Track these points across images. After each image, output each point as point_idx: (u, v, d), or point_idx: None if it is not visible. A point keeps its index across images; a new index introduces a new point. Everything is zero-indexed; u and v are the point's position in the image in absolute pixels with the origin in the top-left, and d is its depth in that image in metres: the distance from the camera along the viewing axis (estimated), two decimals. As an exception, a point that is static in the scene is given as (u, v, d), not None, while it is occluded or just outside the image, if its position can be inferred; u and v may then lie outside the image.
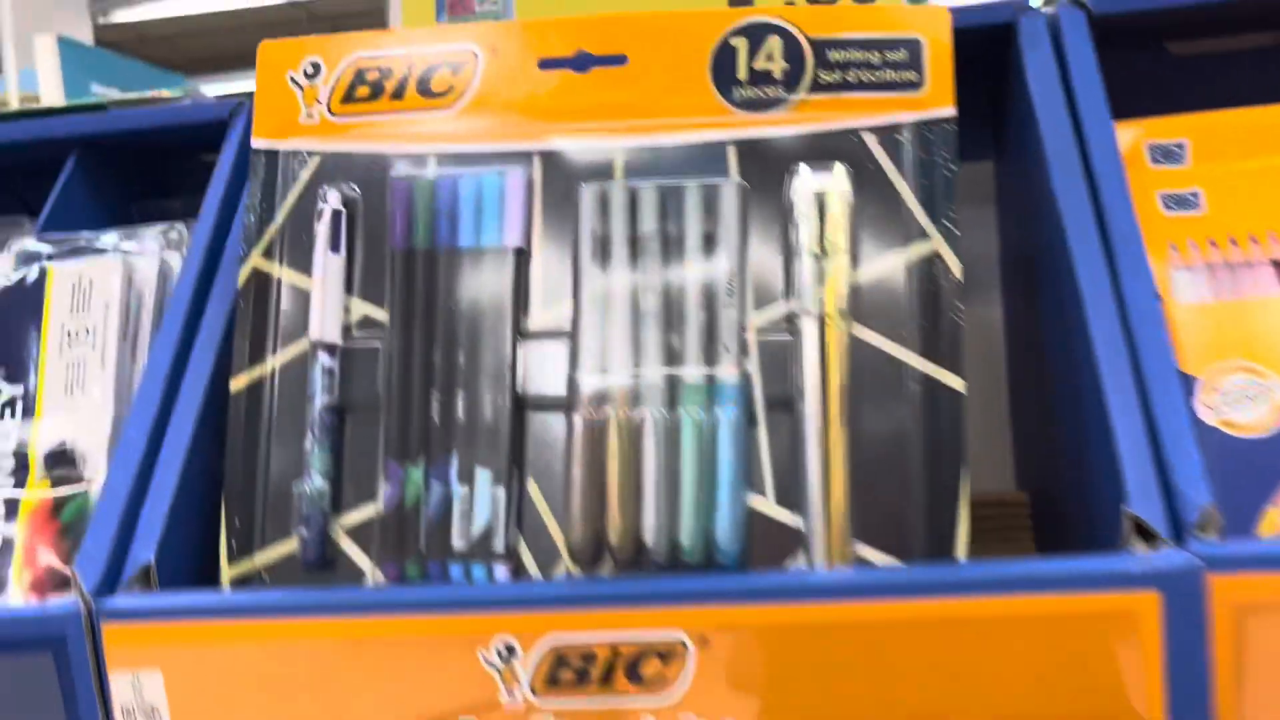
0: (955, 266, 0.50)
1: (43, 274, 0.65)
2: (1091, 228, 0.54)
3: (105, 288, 0.63)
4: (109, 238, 0.67)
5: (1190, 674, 0.43)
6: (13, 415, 0.62)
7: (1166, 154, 0.58)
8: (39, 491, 0.60)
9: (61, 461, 0.61)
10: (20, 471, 0.61)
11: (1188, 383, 0.51)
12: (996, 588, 0.44)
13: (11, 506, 0.60)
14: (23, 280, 0.65)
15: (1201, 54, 0.70)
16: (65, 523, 0.60)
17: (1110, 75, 0.59)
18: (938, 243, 0.51)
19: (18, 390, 0.63)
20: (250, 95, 0.68)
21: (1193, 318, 0.52)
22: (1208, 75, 0.69)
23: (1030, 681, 0.44)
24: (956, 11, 0.55)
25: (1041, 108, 0.58)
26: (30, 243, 0.67)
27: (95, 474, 0.60)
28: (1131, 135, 0.58)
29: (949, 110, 0.52)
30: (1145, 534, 0.45)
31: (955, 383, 0.49)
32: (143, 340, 0.64)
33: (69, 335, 0.63)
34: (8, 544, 0.60)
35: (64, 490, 0.60)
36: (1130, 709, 0.43)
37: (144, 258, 0.65)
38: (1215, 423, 0.50)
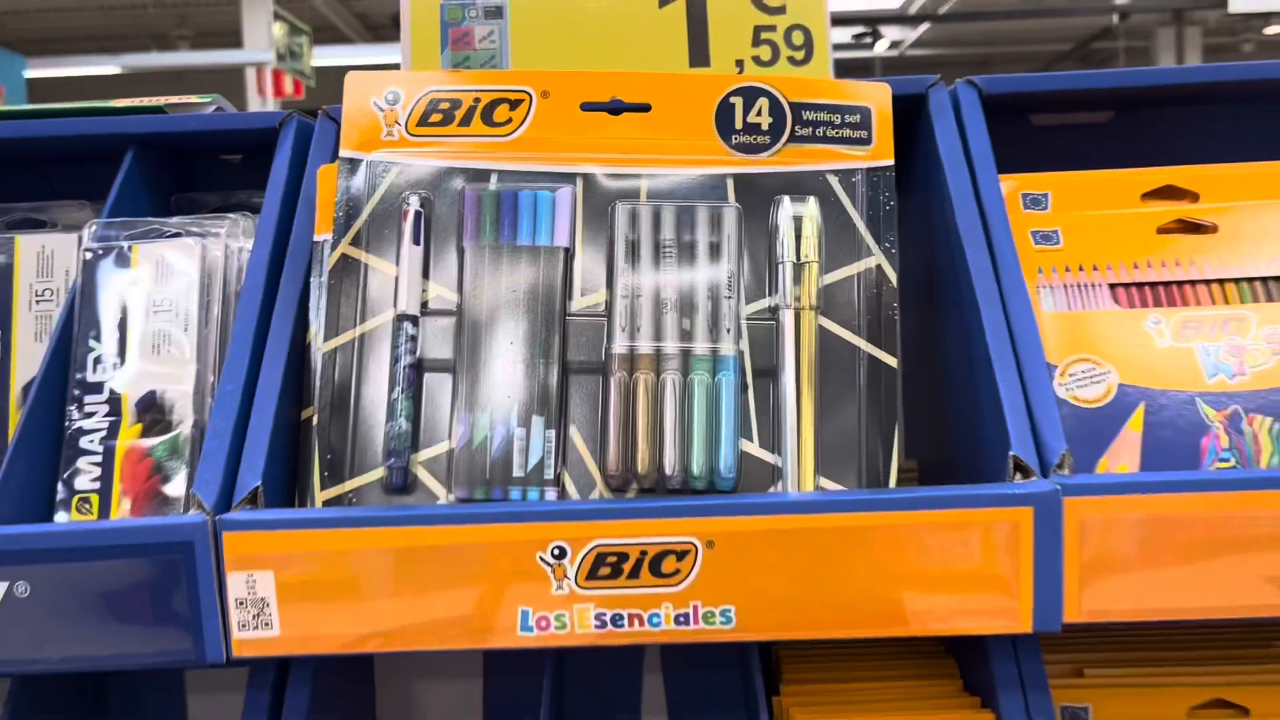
0: (892, 276, 0.69)
1: (127, 251, 0.76)
2: (984, 253, 0.72)
3: (186, 265, 0.75)
4: (175, 223, 0.79)
5: (1049, 559, 0.61)
6: (102, 370, 0.73)
7: (1035, 202, 0.77)
8: (132, 434, 0.72)
9: (151, 409, 0.72)
10: (113, 417, 0.72)
11: (1050, 369, 0.70)
12: (921, 504, 0.62)
13: (109, 448, 0.71)
14: (107, 254, 0.76)
15: (1058, 125, 0.91)
16: (157, 459, 0.71)
17: (994, 136, 0.79)
18: (880, 259, 0.69)
19: (106, 348, 0.73)
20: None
21: (1053, 323, 0.72)
22: (1063, 142, 0.89)
23: (944, 567, 0.62)
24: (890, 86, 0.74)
25: (947, 161, 0.76)
26: (106, 224, 0.78)
27: (183, 419, 0.72)
28: (1010, 186, 0.77)
29: (890, 161, 0.70)
30: (1023, 470, 0.63)
31: (891, 361, 0.67)
32: (214, 310, 0.76)
33: (154, 304, 0.74)
34: (107, 478, 0.71)
35: (155, 432, 0.71)
36: (1011, 583, 0.62)
37: (216, 240, 0.77)
38: (1068, 398, 0.70)
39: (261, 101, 7.88)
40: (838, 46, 8.78)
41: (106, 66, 8.65)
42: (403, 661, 0.88)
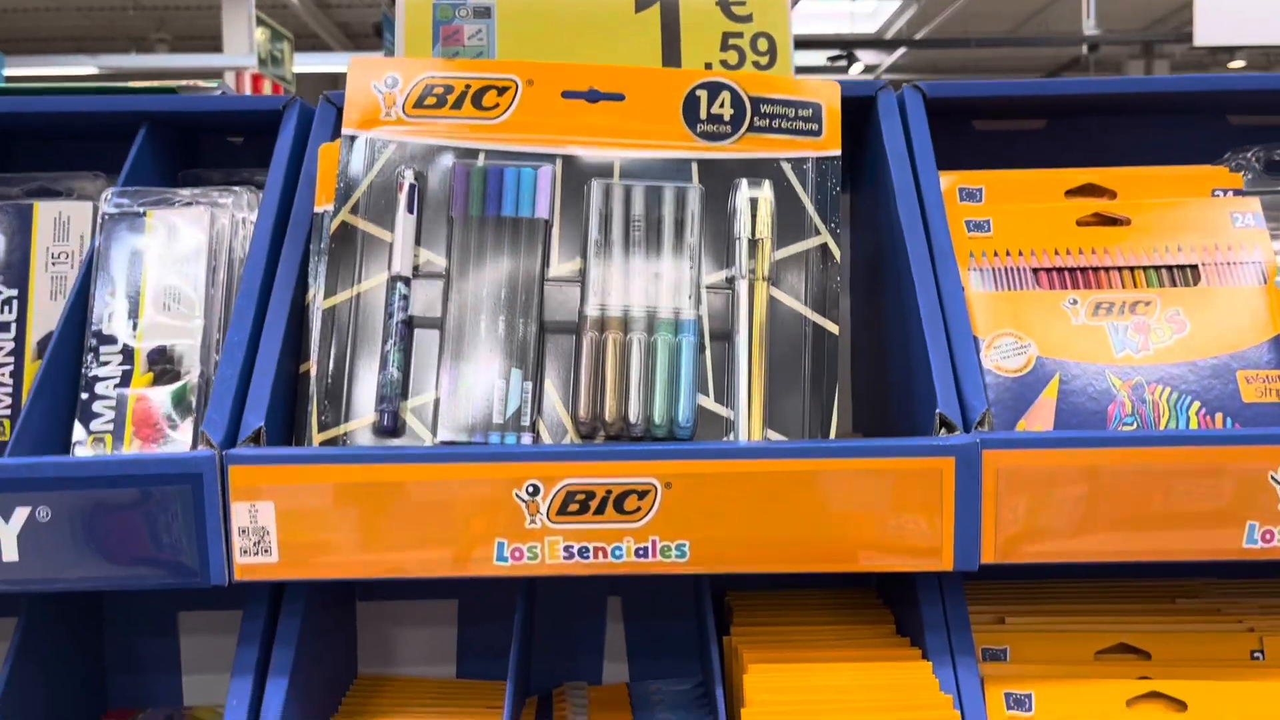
0: (837, 254, 0.77)
1: (142, 216, 0.82)
2: (922, 241, 0.80)
3: (195, 230, 0.82)
4: (186, 194, 0.85)
5: (969, 505, 0.69)
6: (117, 323, 0.79)
7: (970, 195, 0.86)
8: (143, 382, 0.78)
9: (162, 359, 0.79)
10: (126, 366, 0.79)
11: (977, 342, 0.78)
12: (856, 453, 0.70)
13: (121, 394, 0.78)
14: (123, 218, 0.82)
15: (998, 131, 0.99)
16: (166, 405, 0.78)
17: (938, 137, 0.87)
18: (826, 238, 0.77)
19: (121, 304, 0.80)
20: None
21: (982, 301, 0.80)
22: (1002, 147, 0.98)
23: (876, 511, 0.69)
24: (841, 86, 0.82)
25: (891, 157, 0.85)
26: (121, 191, 0.84)
27: (190, 369, 0.79)
28: (949, 181, 0.86)
29: (837, 152, 0.78)
30: (947, 425, 0.71)
31: (833, 328, 0.75)
32: (220, 274, 0.82)
33: (165, 264, 0.81)
34: (120, 420, 0.77)
35: (164, 381, 0.78)
36: (935, 526, 0.69)
37: (223, 210, 0.84)
38: (992, 368, 0.78)
39: (241, 105, 7.87)
40: (812, 69, 8.92)
41: (84, 67, 8.66)
42: (382, 609, 0.95)
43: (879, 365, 0.88)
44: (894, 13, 9.25)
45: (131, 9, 9.26)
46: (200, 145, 1.00)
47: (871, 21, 9.80)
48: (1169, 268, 0.81)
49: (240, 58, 8.02)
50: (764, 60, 0.93)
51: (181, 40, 10.22)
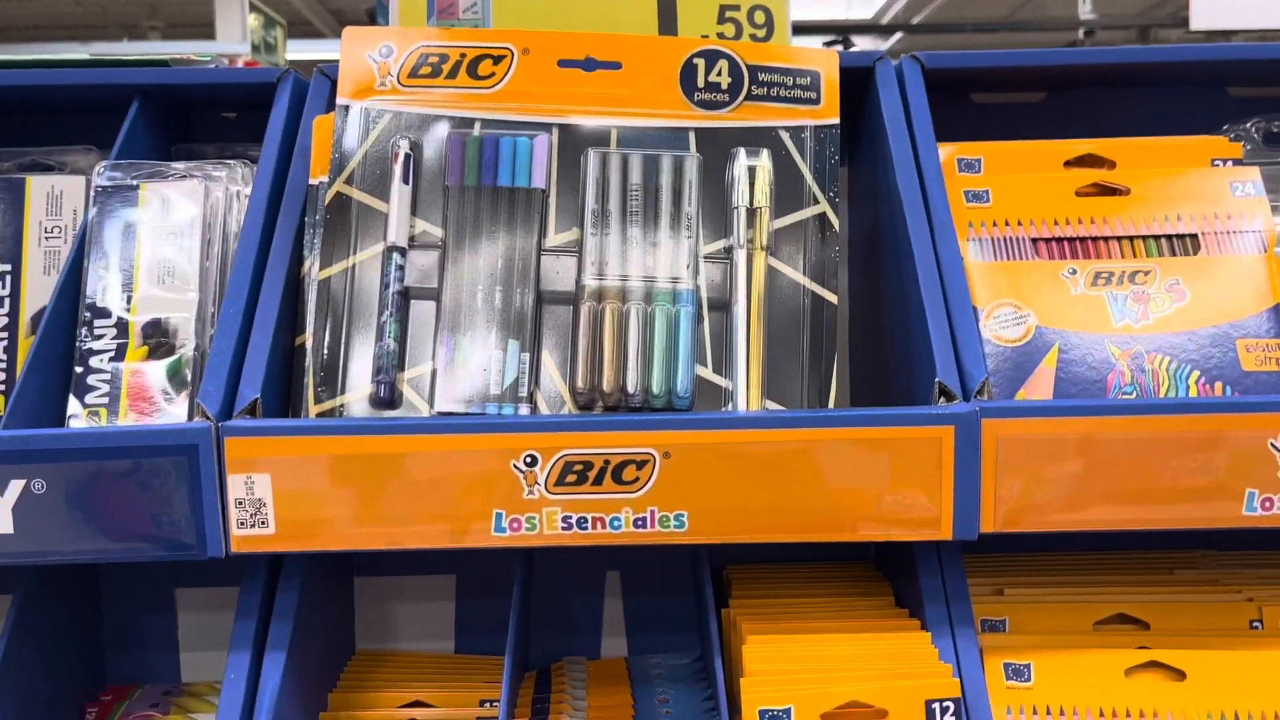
0: (836, 223, 0.76)
1: (135, 189, 0.82)
2: (921, 211, 0.80)
3: (189, 204, 0.81)
4: (179, 167, 0.85)
5: (969, 474, 0.69)
6: (111, 296, 0.79)
7: (969, 166, 0.85)
8: (138, 355, 0.78)
9: (156, 332, 0.78)
10: (121, 340, 0.78)
11: (976, 312, 0.78)
12: (854, 422, 0.69)
13: (116, 368, 0.77)
14: (117, 191, 0.82)
15: (998, 104, 0.99)
16: (161, 379, 0.77)
17: (937, 110, 0.87)
18: (825, 207, 0.76)
19: (115, 277, 0.79)
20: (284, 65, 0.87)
21: (980, 271, 0.79)
22: (1001, 119, 0.97)
23: (875, 480, 0.69)
24: (839, 56, 0.81)
25: (890, 127, 0.84)
26: (115, 164, 0.84)
27: (185, 341, 0.78)
28: (948, 152, 0.85)
29: (835, 120, 0.78)
30: (947, 394, 0.71)
31: (832, 298, 0.75)
32: (215, 246, 0.82)
33: (160, 237, 0.80)
34: (115, 394, 0.77)
35: (159, 354, 0.78)
36: (934, 494, 0.69)
37: (217, 183, 0.83)
38: (992, 337, 0.77)
39: (235, 92, 7.85)
40: (809, 54, 8.85)
41: (76, 54, 8.61)
42: (380, 585, 0.94)
43: (878, 337, 0.87)
44: (890, -2, 9.22)
45: (123, -4, 9.21)
46: (194, 120, 1.00)
47: (867, 7, 9.77)
48: (1168, 237, 0.80)
49: (233, 44, 7.98)
50: (761, 34, 0.92)
51: (174, 27, 10.17)
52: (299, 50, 8.99)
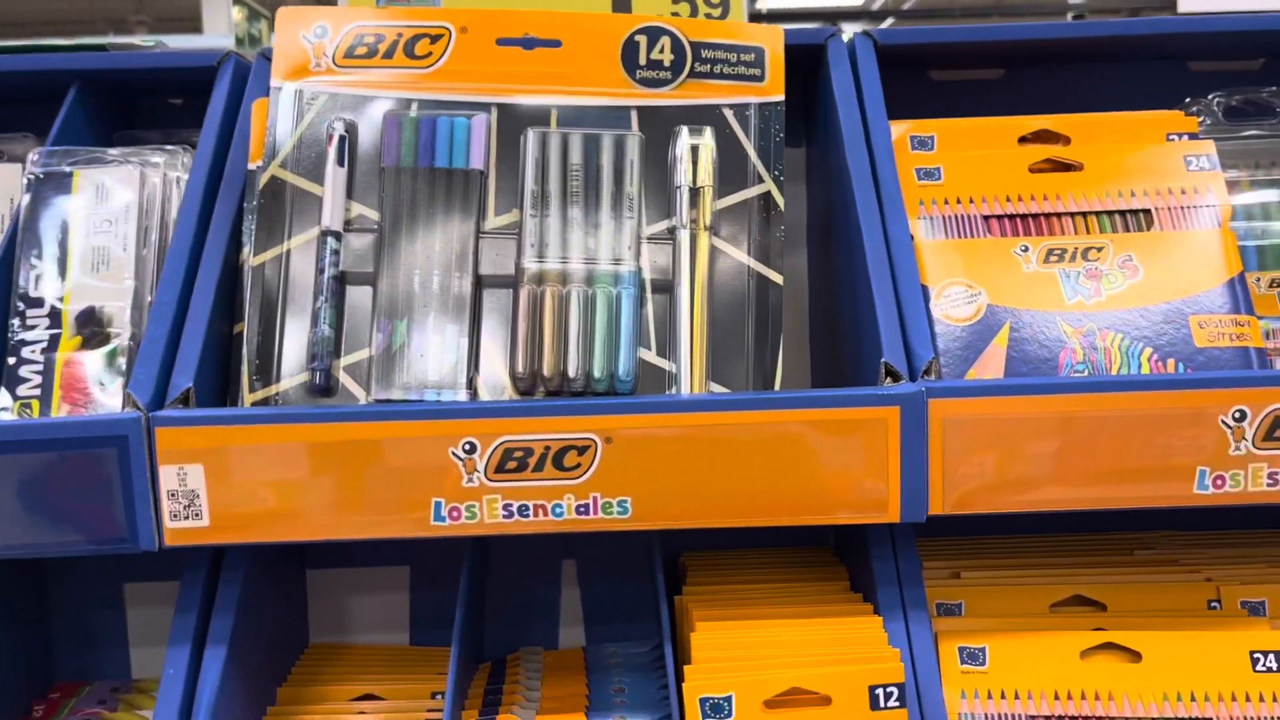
0: (780, 201, 0.75)
1: (69, 175, 0.80)
2: (870, 189, 0.79)
3: (125, 190, 0.80)
4: (116, 153, 0.83)
5: (916, 455, 0.68)
6: (44, 285, 0.77)
7: (922, 143, 0.84)
8: (71, 346, 0.76)
9: (90, 322, 0.77)
10: (54, 330, 0.76)
11: (927, 291, 0.76)
12: (799, 404, 0.68)
13: (49, 359, 0.75)
14: (50, 178, 0.80)
15: (956, 81, 0.97)
16: (95, 369, 0.76)
17: (893, 88, 0.85)
18: (769, 185, 0.75)
19: (48, 266, 0.78)
20: (228, 52, 0.86)
21: (931, 250, 0.78)
22: (954, 94, 0.96)
23: (820, 461, 0.68)
24: (788, 32, 0.80)
25: (841, 104, 0.83)
26: (49, 151, 0.82)
27: (121, 331, 0.77)
28: (901, 129, 0.84)
29: (780, 97, 0.76)
30: (892, 374, 0.70)
31: (777, 278, 0.74)
32: (152, 235, 0.80)
33: (94, 225, 0.79)
34: (47, 385, 0.75)
35: (93, 344, 0.76)
36: (881, 476, 0.68)
37: (155, 169, 0.81)
38: (942, 317, 0.76)
39: (220, 85, 7.80)
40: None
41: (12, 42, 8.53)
42: (333, 577, 0.93)
43: (833, 319, 0.86)
44: (878, -16, 9.18)
45: (109, -9, 9.15)
46: (138, 107, 0.98)
47: (855, -7, 9.73)
48: (1121, 213, 0.79)
49: (218, 38, 7.93)
50: (716, 13, 0.90)
51: (161, 22, 10.11)
52: (284, 43, 8.92)
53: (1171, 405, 0.68)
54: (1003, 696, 0.71)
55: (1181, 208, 0.78)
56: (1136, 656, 0.72)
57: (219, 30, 7.97)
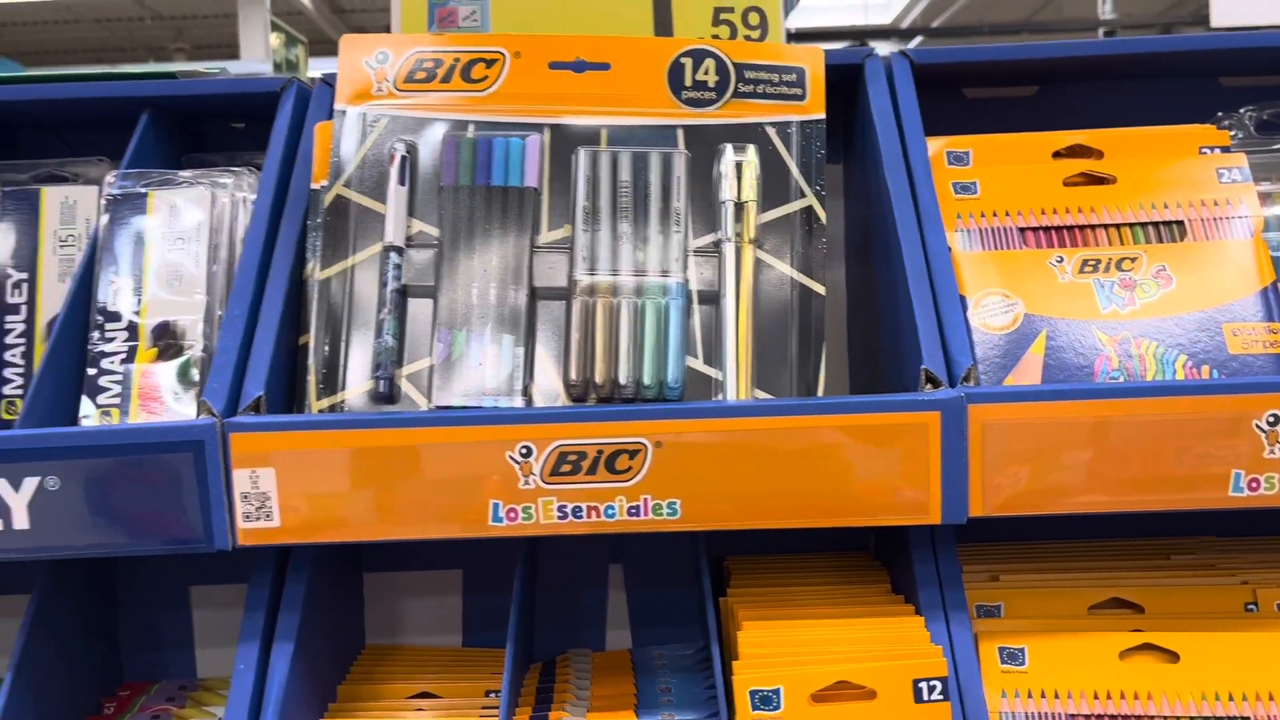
0: (822, 215, 0.78)
1: (144, 196, 0.84)
2: (909, 203, 0.81)
3: (196, 210, 0.84)
4: (187, 174, 0.87)
5: (956, 459, 0.70)
6: (122, 300, 0.81)
7: (958, 159, 0.87)
8: (148, 357, 0.80)
9: (165, 334, 0.81)
10: (132, 342, 0.81)
11: (964, 301, 0.79)
12: (841, 409, 0.71)
13: (127, 369, 0.79)
14: (127, 199, 0.84)
15: (989, 99, 1.00)
16: (170, 379, 0.80)
17: (928, 106, 0.88)
18: (811, 200, 0.78)
19: (125, 282, 0.82)
20: (292, 79, 0.90)
21: (969, 261, 0.81)
22: (988, 112, 0.98)
23: (863, 466, 0.70)
24: (828, 53, 0.83)
25: (879, 122, 0.85)
26: (125, 174, 0.86)
27: (193, 343, 0.80)
28: (937, 145, 0.86)
29: (821, 115, 0.79)
30: (932, 380, 0.72)
31: (819, 289, 0.76)
32: (221, 251, 0.84)
33: (168, 243, 0.83)
34: (126, 394, 0.79)
35: (168, 356, 0.80)
36: (922, 479, 0.70)
37: (224, 190, 0.85)
38: (980, 325, 0.78)
39: (259, 110, 7.93)
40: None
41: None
42: (388, 580, 0.96)
43: (873, 329, 0.89)
44: (908, 3, 9.21)
45: (149, 19, 9.35)
46: (204, 131, 1.02)
47: (885, 12, 9.77)
48: (1155, 224, 0.81)
49: (256, 64, 8.08)
50: (755, 34, 0.94)
51: (200, 49, 10.30)
52: (321, 68, 9.10)
53: (1206, 410, 0.70)
54: (1043, 696, 0.73)
55: (1214, 219, 0.80)
56: (1175, 657, 0.74)
57: (256, 56, 8.12)
